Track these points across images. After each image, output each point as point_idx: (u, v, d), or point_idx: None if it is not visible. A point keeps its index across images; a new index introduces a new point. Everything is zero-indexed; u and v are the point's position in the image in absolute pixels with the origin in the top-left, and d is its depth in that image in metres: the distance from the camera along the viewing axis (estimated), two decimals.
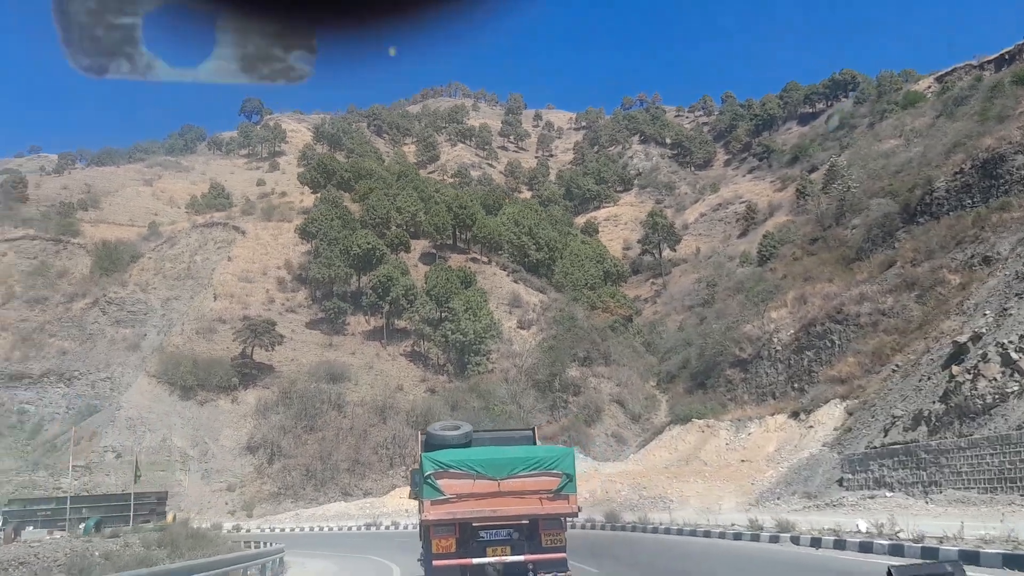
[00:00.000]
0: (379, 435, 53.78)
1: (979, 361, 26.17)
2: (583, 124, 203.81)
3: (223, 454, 53.73)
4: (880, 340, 44.46)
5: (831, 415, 41.35)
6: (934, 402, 27.45)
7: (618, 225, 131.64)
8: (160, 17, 1.21)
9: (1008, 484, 21.51)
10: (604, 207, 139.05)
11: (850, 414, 35.75)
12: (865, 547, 16.76)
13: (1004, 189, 45.99)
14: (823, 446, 33.45)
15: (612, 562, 18.23)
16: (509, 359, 64.48)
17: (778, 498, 28.88)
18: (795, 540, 19.48)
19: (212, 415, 56.50)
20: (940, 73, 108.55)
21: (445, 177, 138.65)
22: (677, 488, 33.33)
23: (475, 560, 11.92)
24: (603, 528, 29.82)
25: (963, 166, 53.14)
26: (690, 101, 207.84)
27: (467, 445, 13.94)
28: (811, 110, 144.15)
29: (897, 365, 36.71)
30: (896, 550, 15.43)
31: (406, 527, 37.60)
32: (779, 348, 53.36)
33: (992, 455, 22.39)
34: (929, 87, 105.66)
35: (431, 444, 14.10)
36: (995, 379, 25.09)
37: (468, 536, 11.99)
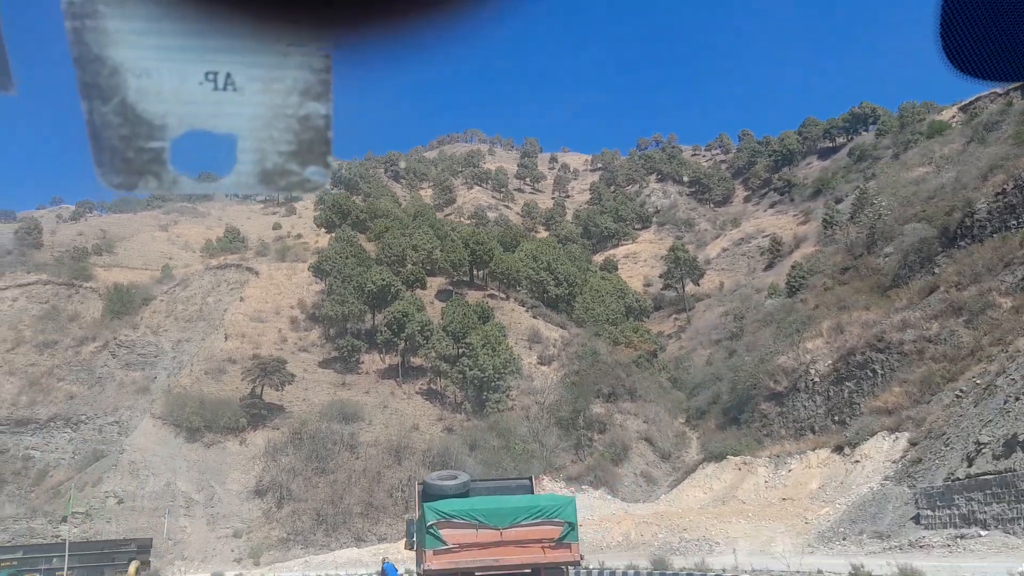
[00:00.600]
0: (394, 477, 50.85)
1: None
2: (599, 165, 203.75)
3: (230, 498, 50.89)
4: (928, 368, 41.67)
5: (879, 448, 38.34)
6: None
7: (637, 262, 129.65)
8: (185, 141, 1.32)
9: None
10: (623, 244, 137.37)
11: (913, 445, 32.63)
12: None
13: None
14: (885, 480, 30.31)
15: None
16: (530, 396, 61.60)
17: (843, 538, 25.73)
18: None
19: (219, 457, 53.82)
20: (963, 103, 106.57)
21: (462, 219, 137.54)
22: (721, 529, 30.23)
23: None
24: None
25: (1005, 187, 51.00)
26: (706, 140, 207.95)
27: (465, 495, 13.95)
28: (831, 144, 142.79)
29: (961, 391, 33.66)
30: None
31: None
32: (816, 380, 50.38)
33: None
34: (953, 116, 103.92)
35: (429, 494, 14.09)
36: None
37: None
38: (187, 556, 46.78)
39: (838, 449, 41.73)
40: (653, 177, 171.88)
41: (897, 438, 37.54)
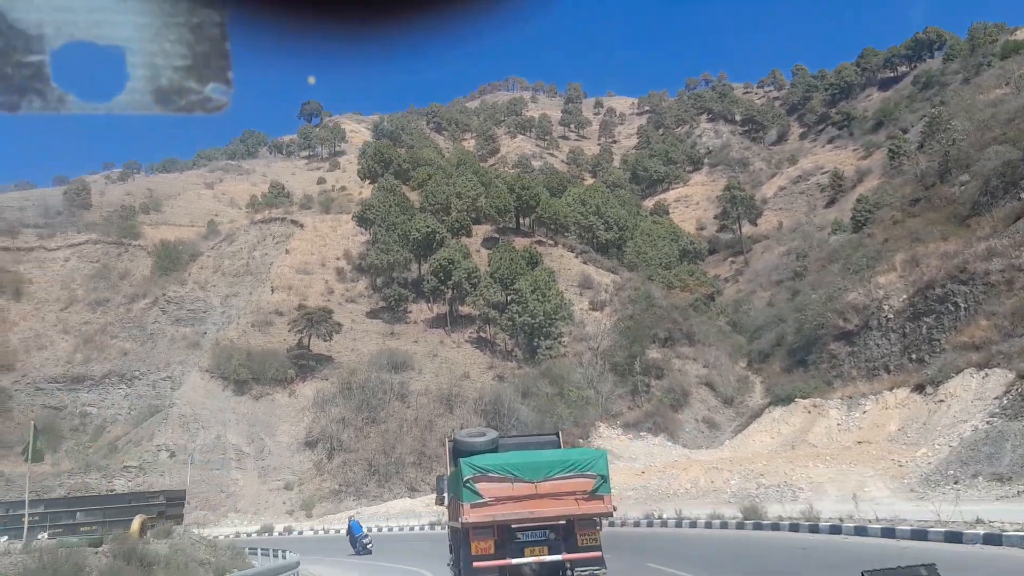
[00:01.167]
0: (446, 425, 49.37)
1: None
2: (646, 108, 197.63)
3: (280, 450, 50.17)
4: (1020, 299, 38.14)
5: (966, 386, 35.28)
6: None
7: (689, 205, 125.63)
8: (68, 54, 1.27)
9: None
10: (673, 188, 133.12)
11: (1022, 378, 29.58)
12: None
13: None
14: (991, 417, 27.40)
15: None
16: (582, 342, 59.44)
17: (955, 482, 23.07)
18: None
19: (268, 409, 53.08)
20: None
21: (506, 168, 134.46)
22: (802, 474, 27.79)
23: (514, 560, 12.14)
24: (742, 527, 22.77)
25: None
26: (758, 77, 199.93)
27: (494, 451, 14.28)
28: (892, 74, 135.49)
29: None
30: None
31: None
32: (890, 316, 47.03)
33: None
34: None
35: (459, 450, 14.48)
36: None
37: (506, 538, 12.20)
38: (240, 509, 46.27)
39: (918, 388, 38.77)
40: (704, 117, 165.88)
41: (987, 375, 34.45)
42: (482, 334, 62.62)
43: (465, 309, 65.24)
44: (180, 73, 1.31)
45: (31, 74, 1.26)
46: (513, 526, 12.22)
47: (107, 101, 1.31)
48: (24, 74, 1.26)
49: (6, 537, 22.39)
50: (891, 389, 40.45)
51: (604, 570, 12.37)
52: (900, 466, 27.77)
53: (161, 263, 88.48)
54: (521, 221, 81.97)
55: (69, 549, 12.23)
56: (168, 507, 26.78)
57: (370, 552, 23.41)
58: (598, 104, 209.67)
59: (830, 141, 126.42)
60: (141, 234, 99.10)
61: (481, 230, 79.52)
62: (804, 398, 44.72)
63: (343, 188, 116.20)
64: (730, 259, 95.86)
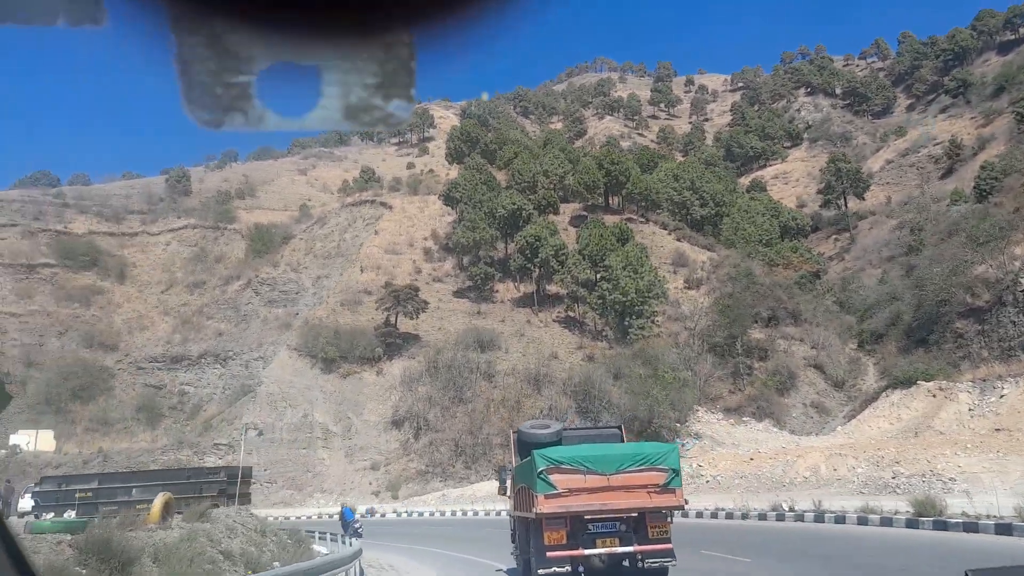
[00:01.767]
0: (534, 406, 47.54)
1: None
2: (739, 84, 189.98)
3: (367, 429, 49.42)
4: None
5: None
6: None
7: (788, 182, 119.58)
8: (271, 74, 1.37)
9: None
10: (771, 165, 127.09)
11: None
12: None
13: None
14: None
15: None
16: (677, 322, 56.41)
17: None
18: None
19: (355, 388, 52.45)
20: None
21: (594, 149, 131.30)
22: (948, 464, 24.29)
23: (586, 551, 12.23)
24: (915, 525, 18.03)
25: None
26: (859, 47, 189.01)
27: (558, 443, 14.52)
28: (1013, 36, 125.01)
29: None
30: None
31: None
32: None
33: None
34: None
35: (523, 442, 15.00)
36: None
37: (578, 528, 12.31)
38: (326, 489, 45.73)
39: None
40: (802, 91, 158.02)
41: None
42: (570, 313, 60.38)
43: (552, 288, 63.13)
44: (369, 91, 1.34)
45: (237, 94, 1.31)
46: (586, 517, 12.38)
47: (301, 118, 1.35)
48: (232, 94, 1.31)
49: (51, 514, 21.57)
50: None
51: (674, 562, 12.50)
52: None
53: (255, 246, 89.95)
54: (610, 199, 79.12)
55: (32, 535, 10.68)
56: (230, 485, 25.27)
57: (360, 536, 21.65)
58: (689, 82, 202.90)
59: (943, 111, 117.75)
60: (236, 218, 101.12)
61: (568, 209, 77.12)
62: (928, 381, 40.63)
63: (431, 171, 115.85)
64: (834, 236, 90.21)
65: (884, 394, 42.96)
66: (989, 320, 43.20)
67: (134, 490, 23.63)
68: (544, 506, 12.12)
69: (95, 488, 24.95)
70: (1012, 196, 55.63)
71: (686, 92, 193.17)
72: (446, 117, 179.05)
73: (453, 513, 37.96)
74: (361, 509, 28.91)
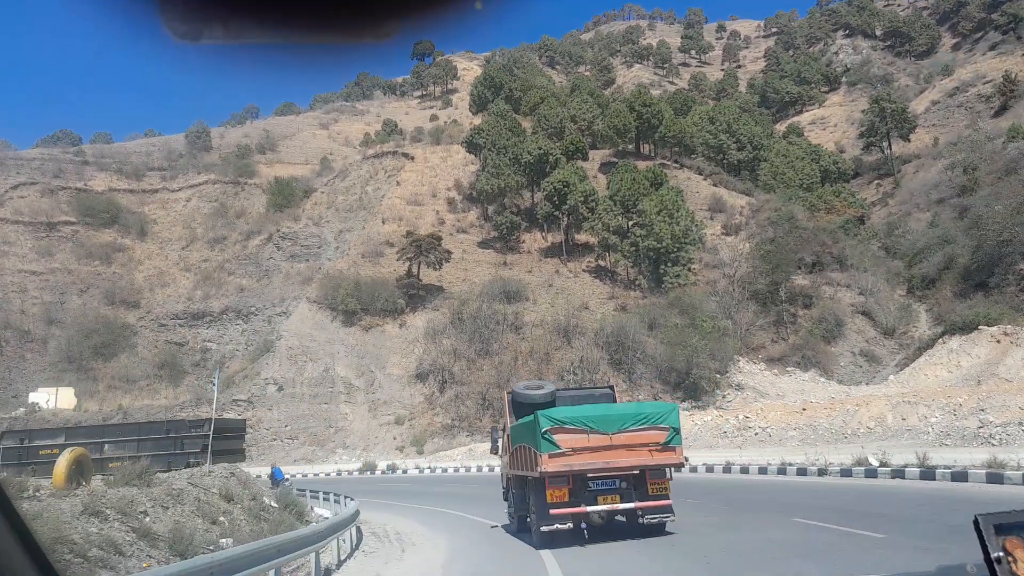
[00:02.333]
0: (564, 358, 45.17)
1: None
2: (773, 30, 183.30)
3: (390, 383, 47.41)
4: None
5: None
6: None
7: (826, 127, 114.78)
8: None
9: None
10: (808, 110, 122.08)
11: None
12: None
13: None
14: None
15: None
16: (716, 269, 53.40)
17: None
18: None
19: (378, 341, 50.37)
20: None
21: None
22: None
23: (588, 508, 12.65)
24: None
25: None
26: None
27: (552, 403, 15.01)
28: None
29: None
30: None
31: None
32: None
33: None
34: None
35: (517, 402, 15.64)
36: None
37: (579, 486, 12.66)
38: (349, 445, 43.96)
39: None
40: (839, 34, 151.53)
41: None
42: (601, 262, 57.58)
43: (582, 237, 60.27)
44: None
45: (220, 2, 1.23)
46: (588, 475, 12.61)
47: (287, 31, 1.27)
48: (214, 2, 1.23)
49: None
50: None
51: (673, 517, 12.81)
52: None
53: (275, 200, 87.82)
54: (641, 146, 75.57)
55: None
56: (215, 440, 22.46)
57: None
58: (720, 28, 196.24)
59: (992, 48, 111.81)
60: (257, 173, 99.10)
61: (597, 155, 73.79)
62: (990, 326, 37.50)
63: (455, 122, 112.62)
64: (876, 182, 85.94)
65: (940, 341, 39.88)
66: None
67: (106, 446, 21.19)
68: (548, 465, 12.26)
69: (61, 444, 22.06)
70: None
71: (717, 39, 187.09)
72: (470, 69, 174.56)
73: (479, 469, 35.87)
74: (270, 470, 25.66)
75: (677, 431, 12.80)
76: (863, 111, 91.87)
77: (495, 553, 13.32)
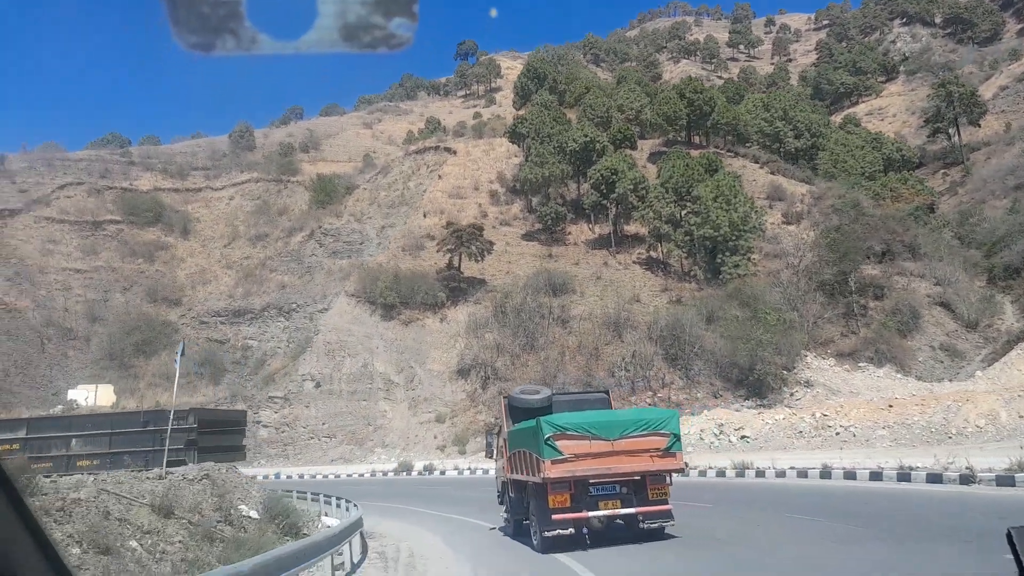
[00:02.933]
0: (615, 353, 42.41)
1: None
2: (824, 22, 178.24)
3: (431, 379, 45.12)
4: None
5: None
6: None
7: (884, 118, 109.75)
8: None
9: None
10: (864, 100, 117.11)
11: None
12: None
13: None
14: None
15: None
16: (777, 259, 50.06)
17: None
18: None
19: (418, 336, 48.17)
20: None
21: None
22: None
23: (589, 513, 12.65)
24: None
25: None
26: None
27: (548, 408, 14.95)
28: None
29: None
30: None
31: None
32: None
33: None
34: None
35: (514, 407, 15.65)
36: None
37: (581, 492, 12.71)
38: (388, 443, 41.77)
39: None
40: (897, 22, 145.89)
41: None
42: (652, 253, 54.61)
43: (631, 228, 57.36)
44: (367, 8, 1.28)
45: (226, 13, 1.24)
46: (591, 481, 12.63)
47: (296, 40, 1.28)
48: (220, 14, 1.23)
49: None
50: None
51: (672, 522, 12.83)
52: None
53: (318, 197, 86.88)
54: (692, 136, 72.31)
55: None
56: (207, 434, 19.55)
57: None
58: (769, 23, 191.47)
59: None
60: (299, 171, 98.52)
61: (646, 145, 70.78)
62: None
63: (498, 117, 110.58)
64: (942, 171, 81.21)
65: None
66: None
67: (73, 440, 18.57)
68: (551, 471, 12.28)
69: (22, 439, 19.47)
70: None
71: (766, 33, 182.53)
72: (513, 68, 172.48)
73: None
74: None
75: (678, 437, 12.89)
76: (928, 96, 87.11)
77: None
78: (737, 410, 35.63)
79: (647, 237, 54.18)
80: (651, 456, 12.62)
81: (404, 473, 35.67)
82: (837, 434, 26.70)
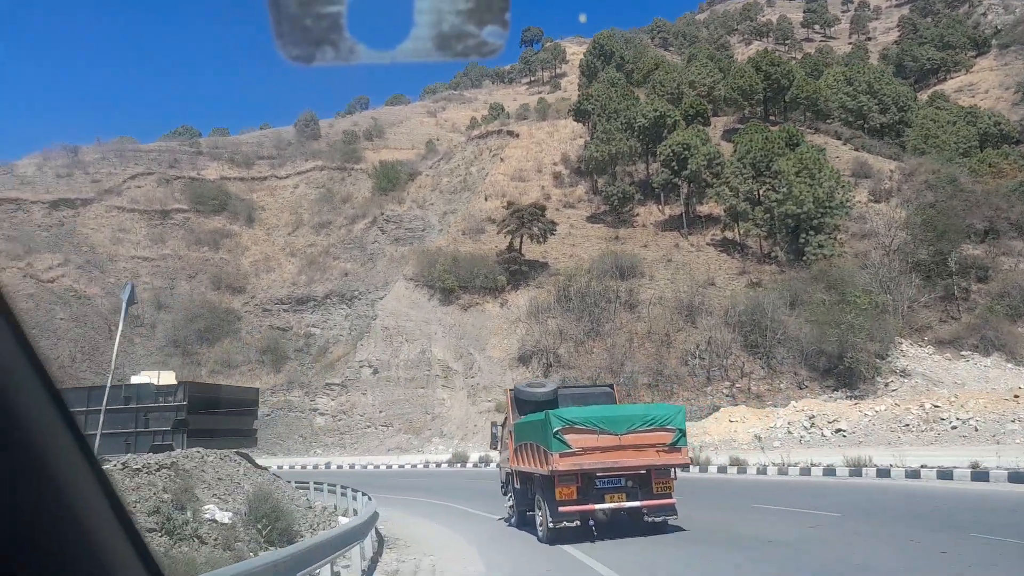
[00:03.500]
0: (688, 340, 39.45)
1: None
2: None
3: (491, 366, 42.94)
4: None
5: None
6: None
7: (975, 95, 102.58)
8: (360, 4, 1.35)
9: None
10: (953, 77, 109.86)
11: None
12: None
13: None
14: None
15: None
16: (865, 239, 46.14)
17: None
18: None
19: (478, 321, 46.05)
20: None
21: None
22: None
23: (595, 506, 12.94)
24: None
25: None
26: None
27: (554, 400, 15.45)
28: None
29: None
30: None
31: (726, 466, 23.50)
32: None
33: None
34: None
35: (520, 400, 15.96)
36: None
37: (587, 485, 12.94)
38: (446, 433, 39.78)
39: None
40: None
41: None
42: (728, 234, 51.19)
43: (704, 208, 54.03)
44: (462, 17, 1.30)
45: (328, 26, 1.27)
46: (598, 474, 12.88)
47: (392, 49, 1.32)
48: (322, 26, 1.27)
49: None
50: None
51: (676, 516, 13.08)
52: None
53: (380, 183, 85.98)
54: (768, 113, 68.19)
55: None
56: (193, 414, 16.78)
57: None
58: (846, 1, 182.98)
59: None
60: (363, 158, 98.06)
61: (719, 122, 67.02)
62: None
63: (563, 100, 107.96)
64: None
65: None
66: None
67: None
68: (559, 464, 12.46)
69: None
70: None
71: (843, 11, 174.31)
72: (578, 53, 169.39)
73: None
74: None
75: (683, 432, 13.08)
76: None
77: None
78: (826, 401, 32.38)
79: (722, 216, 50.77)
80: (657, 451, 12.79)
81: (458, 464, 33.55)
82: (954, 428, 23.38)
